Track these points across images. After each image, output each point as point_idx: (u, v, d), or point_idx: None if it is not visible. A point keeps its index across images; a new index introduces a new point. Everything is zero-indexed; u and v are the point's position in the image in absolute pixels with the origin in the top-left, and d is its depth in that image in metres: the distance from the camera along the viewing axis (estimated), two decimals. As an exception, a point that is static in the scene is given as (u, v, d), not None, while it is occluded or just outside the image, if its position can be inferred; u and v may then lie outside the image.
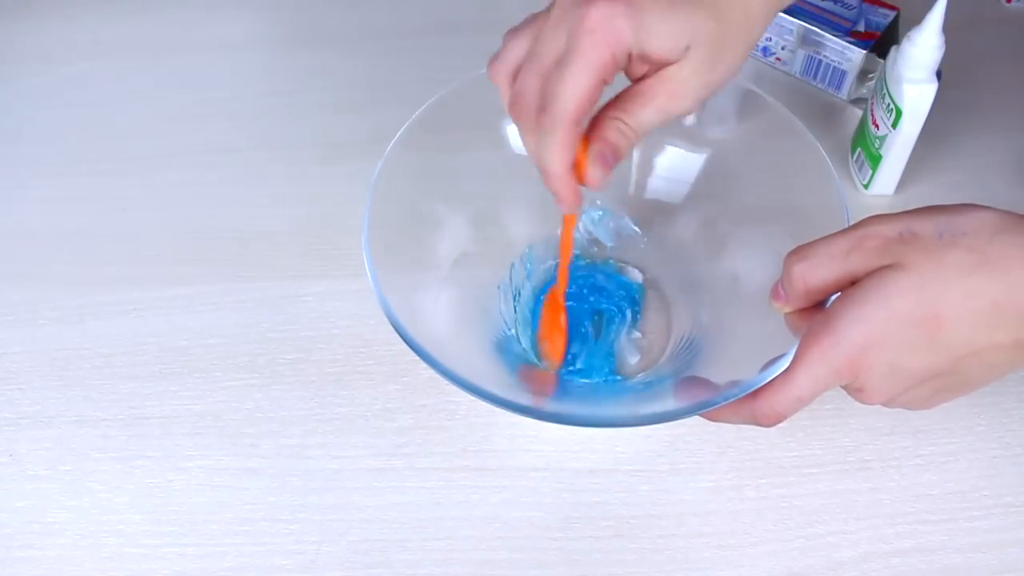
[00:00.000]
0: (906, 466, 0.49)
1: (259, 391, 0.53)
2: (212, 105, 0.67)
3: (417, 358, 0.53)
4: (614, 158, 0.38)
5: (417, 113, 0.50)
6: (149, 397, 0.53)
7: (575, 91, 0.36)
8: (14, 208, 0.62)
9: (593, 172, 0.38)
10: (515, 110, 0.39)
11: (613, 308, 0.54)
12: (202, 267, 0.58)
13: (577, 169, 0.39)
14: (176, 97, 0.68)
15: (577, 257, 0.55)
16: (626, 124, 0.38)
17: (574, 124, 0.37)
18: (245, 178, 0.63)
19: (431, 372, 0.52)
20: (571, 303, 0.53)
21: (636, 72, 0.39)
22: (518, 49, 0.39)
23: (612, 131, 0.38)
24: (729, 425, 0.50)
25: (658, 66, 0.38)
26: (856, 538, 0.47)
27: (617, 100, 0.39)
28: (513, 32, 0.40)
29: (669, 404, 0.45)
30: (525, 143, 0.39)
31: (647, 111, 0.38)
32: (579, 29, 0.36)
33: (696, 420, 0.51)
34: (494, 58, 0.40)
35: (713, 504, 0.48)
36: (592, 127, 0.39)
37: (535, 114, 0.38)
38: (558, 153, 0.37)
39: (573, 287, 0.54)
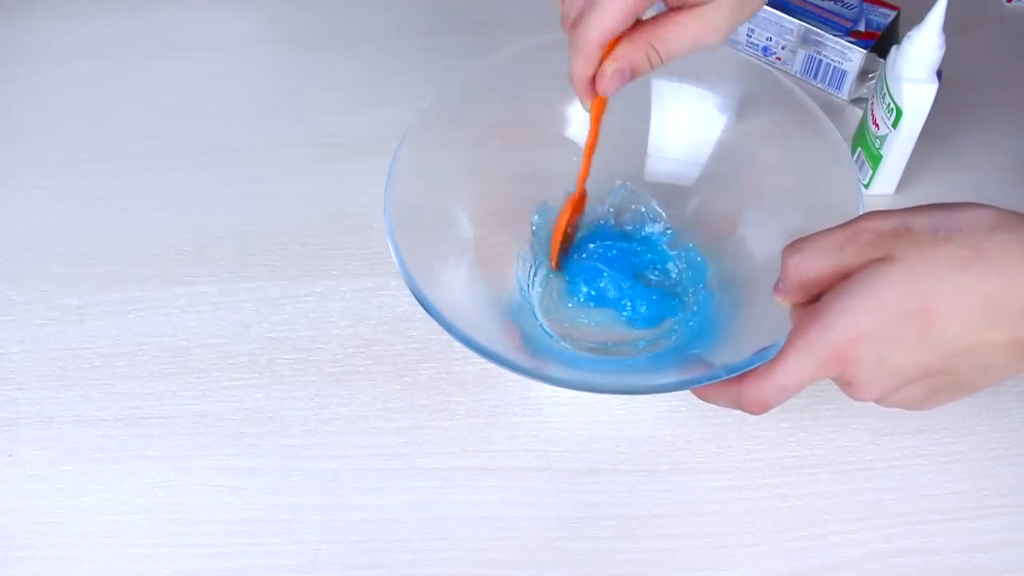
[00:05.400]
0: (907, 466, 0.49)
1: (259, 391, 0.53)
2: (212, 105, 0.67)
3: (417, 357, 0.54)
4: (631, 76, 0.43)
5: (435, 96, 0.51)
6: (149, 397, 0.53)
7: (603, 21, 0.41)
8: (14, 208, 0.62)
9: (608, 86, 0.43)
10: (563, 24, 0.44)
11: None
12: (202, 267, 0.58)
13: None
14: (176, 97, 0.68)
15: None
16: (655, 50, 0.42)
17: (597, 47, 0.42)
18: (245, 178, 0.63)
19: (431, 372, 0.53)
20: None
21: (672, 2, 0.42)
22: None
23: (639, 55, 0.42)
24: (730, 425, 0.50)
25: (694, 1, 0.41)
26: (858, 538, 0.47)
27: (653, 24, 0.42)
28: None
29: (660, 378, 0.45)
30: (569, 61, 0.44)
31: (679, 42, 0.42)
32: None
33: (697, 420, 0.51)
34: None
35: (714, 504, 0.48)
36: (624, 42, 0.42)
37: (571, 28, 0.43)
38: (579, 65, 0.43)
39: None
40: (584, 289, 0.54)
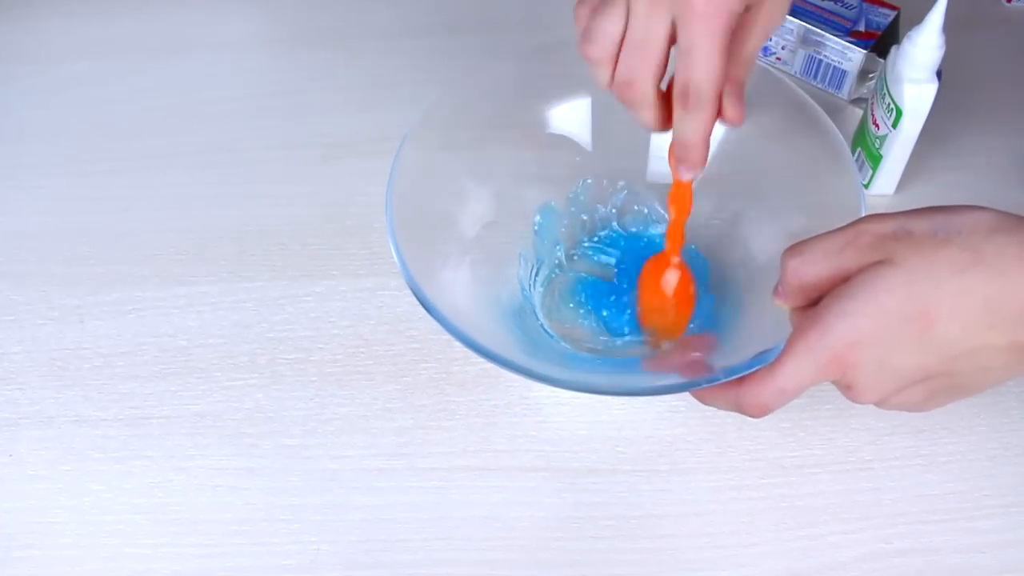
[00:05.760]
0: (907, 466, 0.49)
1: (259, 391, 0.53)
2: (212, 105, 0.67)
3: (417, 357, 0.54)
4: (743, 89, 0.43)
5: (437, 96, 0.51)
6: (149, 397, 0.53)
7: (714, 75, 0.39)
8: (14, 208, 0.62)
9: (740, 109, 0.43)
10: (626, 93, 0.42)
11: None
12: (202, 267, 0.58)
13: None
14: (176, 97, 0.68)
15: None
16: (739, 56, 0.41)
17: (716, 101, 0.40)
18: (245, 178, 0.63)
19: (431, 372, 0.53)
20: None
21: None
22: (611, 28, 0.40)
23: (735, 68, 0.41)
24: (730, 424, 0.50)
25: None
26: (857, 538, 0.47)
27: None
28: (592, 9, 0.41)
29: (659, 379, 0.45)
30: (641, 118, 0.43)
31: (755, 38, 0.42)
32: (691, 16, 0.38)
33: (697, 421, 0.51)
34: (586, 39, 0.41)
35: (714, 504, 0.48)
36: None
37: (665, 98, 0.42)
38: (703, 129, 0.41)
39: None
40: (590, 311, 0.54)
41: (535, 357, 0.49)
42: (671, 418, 0.51)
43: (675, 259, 0.50)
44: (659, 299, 0.52)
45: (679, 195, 0.47)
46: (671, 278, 0.51)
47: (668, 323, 0.53)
